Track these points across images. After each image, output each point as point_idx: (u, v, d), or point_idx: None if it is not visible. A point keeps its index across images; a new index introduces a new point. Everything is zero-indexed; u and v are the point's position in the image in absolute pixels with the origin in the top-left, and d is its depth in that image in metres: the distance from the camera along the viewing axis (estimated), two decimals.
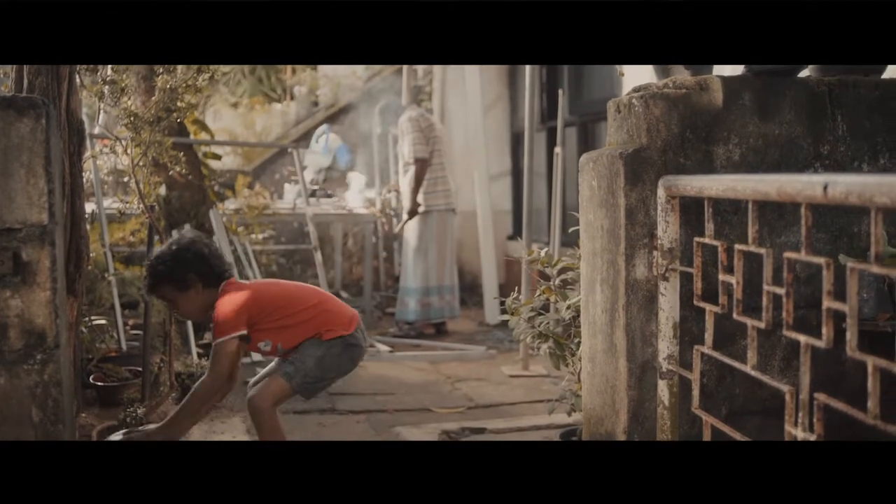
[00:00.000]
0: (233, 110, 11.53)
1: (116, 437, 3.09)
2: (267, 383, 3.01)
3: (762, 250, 1.71)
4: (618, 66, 3.87)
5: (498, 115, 8.77)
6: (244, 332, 2.96)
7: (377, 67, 10.36)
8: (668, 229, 2.21)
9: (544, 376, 5.24)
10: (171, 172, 4.71)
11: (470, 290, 8.34)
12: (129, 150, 3.76)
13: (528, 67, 5.80)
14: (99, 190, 5.30)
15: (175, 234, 3.07)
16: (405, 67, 8.48)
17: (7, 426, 2.04)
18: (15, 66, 3.14)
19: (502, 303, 3.50)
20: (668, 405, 2.23)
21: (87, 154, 4.03)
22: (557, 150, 5.43)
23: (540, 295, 3.38)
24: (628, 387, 2.34)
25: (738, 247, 1.82)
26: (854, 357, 1.41)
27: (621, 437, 2.36)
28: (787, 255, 1.62)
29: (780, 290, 1.63)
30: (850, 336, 1.41)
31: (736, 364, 1.89)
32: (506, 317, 3.45)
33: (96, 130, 5.15)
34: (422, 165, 6.64)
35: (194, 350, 4.97)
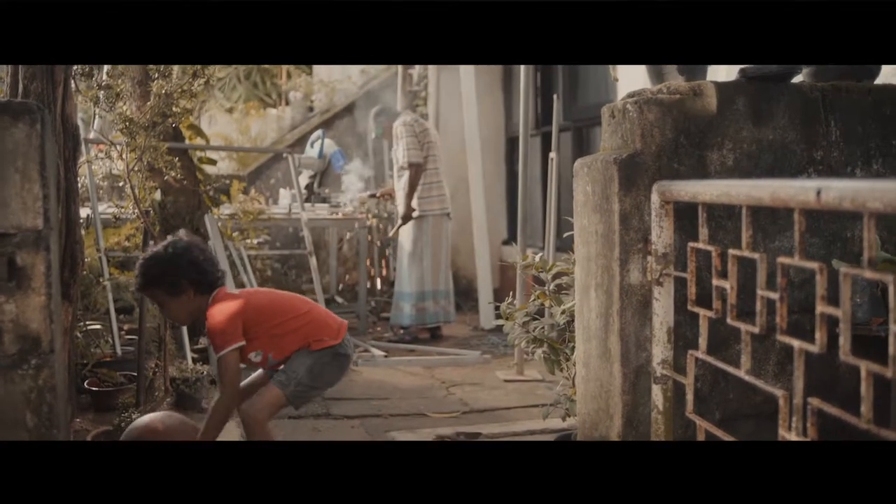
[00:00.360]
0: (228, 115, 11.54)
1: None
2: (261, 394, 3.00)
3: (756, 255, 1.71)
4: (612, 72, 3.88)
5: (493, 119, 8.77)
6: (242, 342, 2.95)
7: (372, 73, 10.37)
8: (662, 234, 2.21)
9: (539, 381, 5.24)
10: (166, 177, 4.69)
11: (465, 295, 8.34)
12: (124, 155, 3.76)
13: (522, 72, 5.81)
14: (94, 195, 5.29)
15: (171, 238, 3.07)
16: (400, 73, 8.50)
17: (1, 431, 2.03)
18: (10, 71, 3.14)
19: (497, 307, 3.51)
20: (662, 410, 2.24)
21: (83, 159, 4.03)
22: (552, 155, 5.44)
23: (535, 300, 3.39)
24: (623, 391, 2.34)
25: (732, 252, 1.82)
26: (847, 362, 1.42)
27: None
28: (781, 259, 1.63)
29: (774, 295, 1.64)
30: (844, 341, 1.42)
31: (730, 369, 1.89)
32: (500, 321, 3.46)
33: (91, 135, 5.15)
34: (416, 170, 6.65)
35: (189, 355, 4.96)
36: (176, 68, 3.81)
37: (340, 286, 8.84)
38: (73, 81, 3.37)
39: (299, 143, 9.38)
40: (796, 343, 1.58)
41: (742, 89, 2.42)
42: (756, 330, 1.73)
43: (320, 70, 11.70)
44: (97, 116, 4.32)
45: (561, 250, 4.72)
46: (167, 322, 3.80)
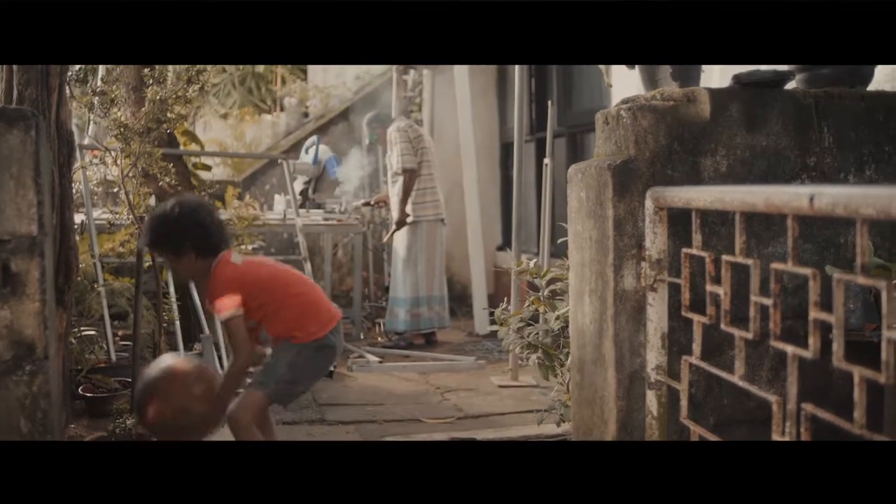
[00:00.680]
0: (223, 121, 11.53)
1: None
2: (242, 396, 3.00)
3: (749, 261, 1.72)
4: (606, 78, 3.89)
5: (487, 125, 8.78)
6: (240, 309, 2.94)
7: (367, 78, 10.39)
8: (655, 240, 2.22)
9: (533, 387, 5.24)
10: (160, 183, 4.70)
11: (459, 301, 8.34)
12: (118, 161, 3.76)
13: (517, 78, 5.81)
14: (88, 201, 5.27)
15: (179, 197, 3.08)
16: (394, 78, 8.50)
17: None
18: (5, 77, 3.14)
19: (491, 313, 3.51)
20: (656, 415, 2.24)
21: (77, 165, 4.03)
22: (547, 160, 5.44)
23: (529, 305, 3.39)
24: (617, 397, 2.34)
25: (725, 258, 1.83)
26: (841, 367, 1.42)
27: None
28: (775, 265, 1.63)
29: (768, 301, 1.64)
30: (837, 346, 1.42)
31: (724, 374, 1.89)
32: (495, 327, 3.46)
33: (86, 141, 5.13)
34: (410, 176, 6.65)
35: None
36: (170, 74, 3.81)
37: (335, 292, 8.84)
38: (67, 87, 3.37)
39: (294, 149, 9.38)
40: (790, 349, 1.58)
41: (735, 96, 2.43)
42: (750, 336, 1.74)
43: (315, 76, 11.70)
44: (92, 122, 4.33)
45: (555, 256, 4.72)
46: (161, 328, 3.80)
